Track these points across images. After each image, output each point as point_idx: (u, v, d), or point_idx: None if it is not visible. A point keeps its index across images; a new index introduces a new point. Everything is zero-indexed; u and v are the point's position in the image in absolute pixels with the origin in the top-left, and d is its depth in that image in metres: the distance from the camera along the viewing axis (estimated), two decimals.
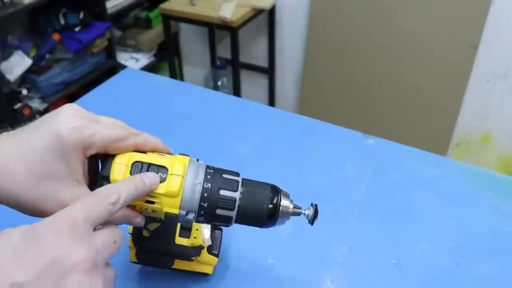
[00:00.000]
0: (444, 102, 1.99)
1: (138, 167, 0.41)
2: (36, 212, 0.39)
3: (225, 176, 0.44)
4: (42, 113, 2.00)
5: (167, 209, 0.41)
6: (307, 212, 0.46)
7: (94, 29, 2.13)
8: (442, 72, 1.94)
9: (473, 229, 0.65)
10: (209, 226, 0.56)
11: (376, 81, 2.09)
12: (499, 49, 1.84)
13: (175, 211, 0.41)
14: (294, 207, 0.46)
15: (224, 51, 2.38)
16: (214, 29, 2.06)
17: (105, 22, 2.18)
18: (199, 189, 0.42)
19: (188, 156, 0.44)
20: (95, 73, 2.26)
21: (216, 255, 0.56)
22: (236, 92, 2.23)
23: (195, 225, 0.55)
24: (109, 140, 0.40)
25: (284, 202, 0.45)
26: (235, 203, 0.43)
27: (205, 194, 0.42)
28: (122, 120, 0.44)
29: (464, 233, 0.65)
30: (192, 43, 2.63)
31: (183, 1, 2.11)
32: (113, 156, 0.41)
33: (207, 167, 0.44)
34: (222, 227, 0.60)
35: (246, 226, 0.55)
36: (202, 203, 0.42)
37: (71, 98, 2.07)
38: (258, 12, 2.11)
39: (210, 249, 0.55)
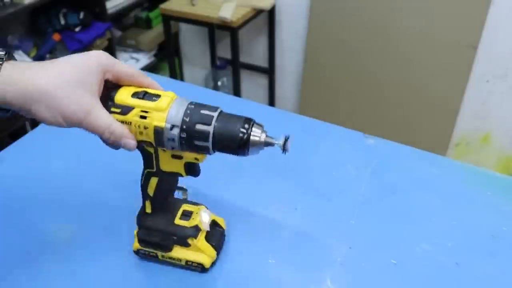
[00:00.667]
0: (443, 102, 1.99)
1: (137, 94, 0.50)
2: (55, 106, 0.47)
3: (202, 111, 0.49)
4: None
5: (156, 123, 0.48)
6: (280, 142, 0.50)
7: (94, 29, 2.13)
8: (442, 72, 1.94)
9: (473, 229, 0.65)
10: (207, 211, 0.59)
11: (376, 81, 2.09)
12: (498, 49, 1.84)
13: (162, 124, 0.48)
14: (266, 137, 0.50)
15: (224, 51, 2.38)
16: (214, 29, 2.06)
17: (105, 22, 2.17)
18: (183, 109, 0.49)
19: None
20: None
21: (214, 247, 0.58)
22: (236, 92, 2.23)
23: (194, 210, 0.58)
24: (123, 72, 0.51)
25: (256, 131, 0.49)
26: (208, 135, 0.48)
27: (186, 119, 0.49)
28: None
29: (464, 233, 0.65)
30: (192, 43, 2.63)
31: (183, 1, 2.11)
32: (120, 86, 0.51)
33: (190, 103, 0.50)
34: (223, 227, 0.61)
35: (245, 226, 0.55)
36: (185, 118, 0.49)
37: None
38: (258, 12, 2.11)
39: (208, 239, 0.57)
